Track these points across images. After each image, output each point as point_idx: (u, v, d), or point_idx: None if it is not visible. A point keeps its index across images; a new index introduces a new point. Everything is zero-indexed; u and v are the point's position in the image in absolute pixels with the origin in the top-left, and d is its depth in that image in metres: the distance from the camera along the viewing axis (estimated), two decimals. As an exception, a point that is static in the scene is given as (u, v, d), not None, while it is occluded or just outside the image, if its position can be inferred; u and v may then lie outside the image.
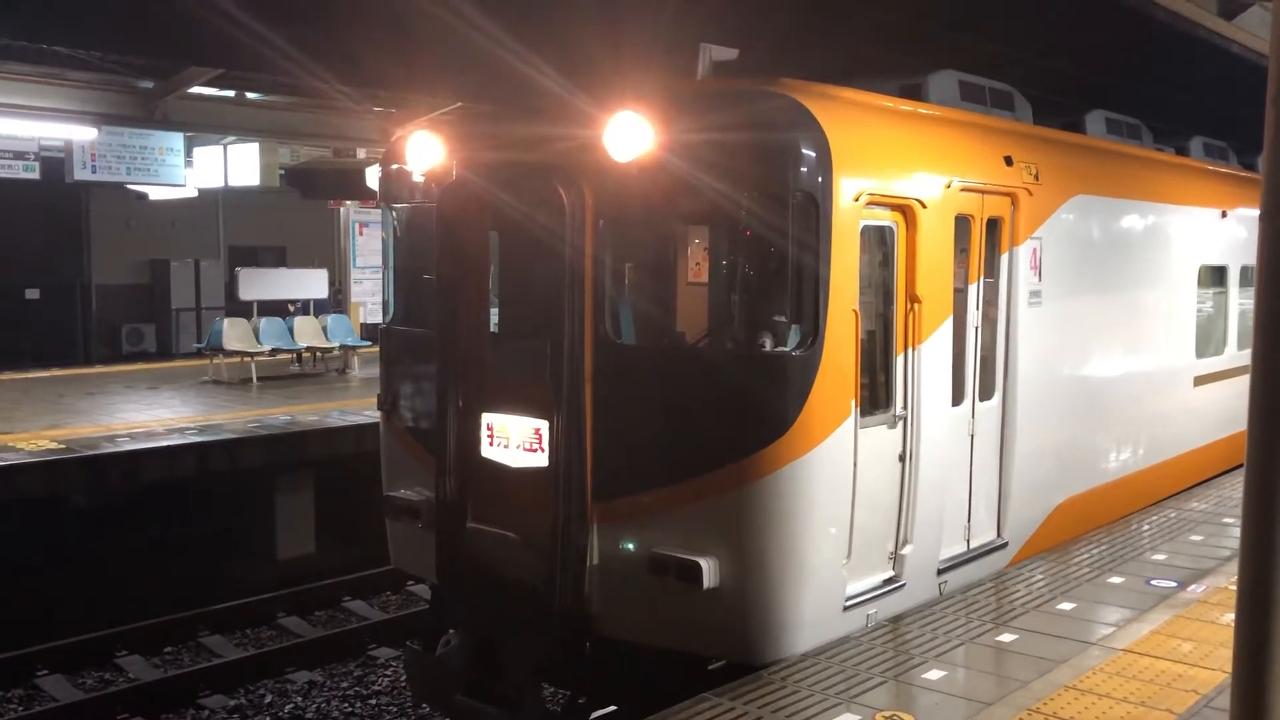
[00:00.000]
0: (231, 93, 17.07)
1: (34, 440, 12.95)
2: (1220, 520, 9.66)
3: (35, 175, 18.50)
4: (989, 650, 6.46)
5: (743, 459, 6.14)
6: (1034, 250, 8.30)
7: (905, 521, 7.02)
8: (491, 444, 7.33)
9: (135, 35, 11.13)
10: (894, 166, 6.98)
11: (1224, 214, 11.78)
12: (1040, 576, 7.89)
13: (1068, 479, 9.10)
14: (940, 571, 7.46)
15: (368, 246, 24.03)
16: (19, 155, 18.13)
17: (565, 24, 9.14)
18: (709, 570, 6.15)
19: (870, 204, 6.57)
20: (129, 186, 20.73)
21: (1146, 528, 9.43)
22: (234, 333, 18.91)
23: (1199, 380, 11.37)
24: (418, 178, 7.73)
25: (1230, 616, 6.97)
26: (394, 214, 8.31)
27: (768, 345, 6.34)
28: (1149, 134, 11.39)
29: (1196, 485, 11.27)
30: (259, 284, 21.39)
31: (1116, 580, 7.85)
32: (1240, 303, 12.24)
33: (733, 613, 6.25)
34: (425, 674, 7.76)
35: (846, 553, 6.50)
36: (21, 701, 10.19)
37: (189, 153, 19.77)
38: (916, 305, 6.97)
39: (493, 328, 7.93)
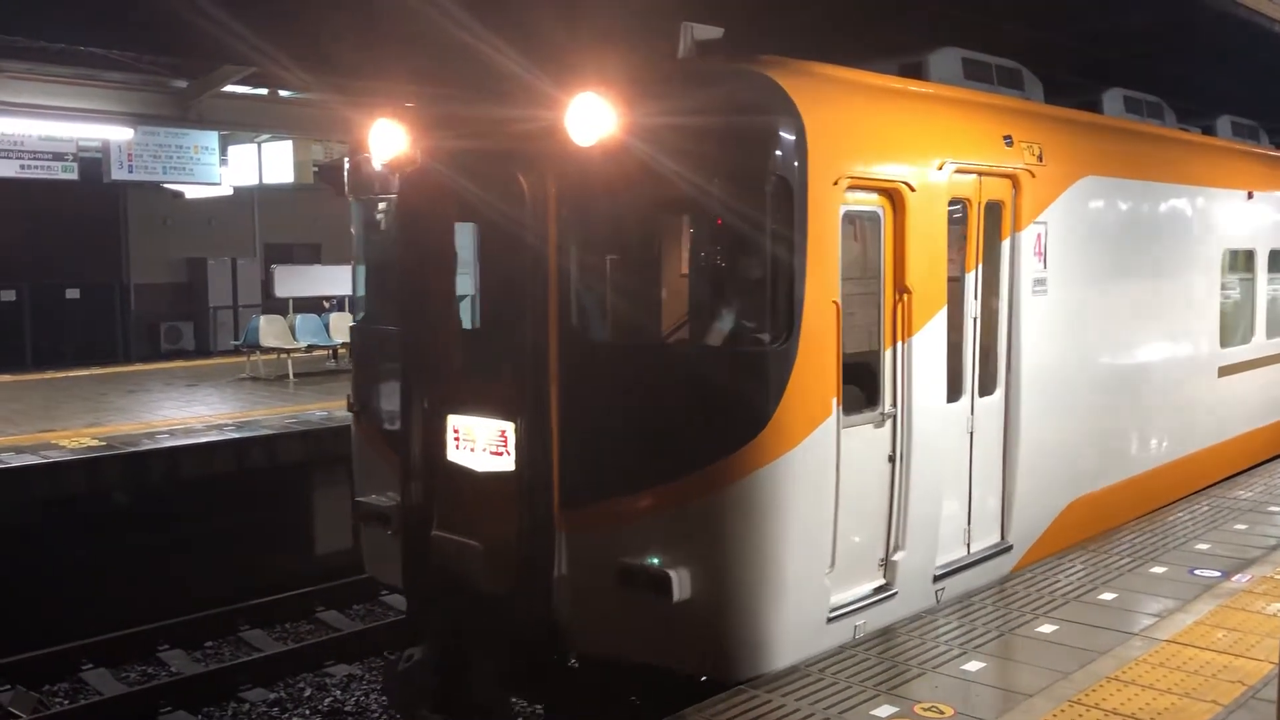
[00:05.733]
0: (264, 90, 17.15)
1: (76, 438, 13.12)
2: (1265, 509, 9.51)
3: (74, 176, 18.70)
4: (1029, 642, 6.38)
5: (714, 462, 5.76)
6: (1038, 236, 7.84)
7: (896, 526, 6.60)
8: (458, 447, 6.97)
9: (106, 28, 10.88)
10: (879, 148, 6.52)
11: (1250, 195, 11.32)
12: (1080, 566, 7.79)
13: (1079, 477, 8.65)
14: (937, 578, 7.04)
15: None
16: (58, 156, 18.33)
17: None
18: (680, 581, 5.77)
19: (852, 188, 6.16)
20: (165, 186, 20.93)
21: (1188, 517, 9.30)
22: (270, 330, 19.12)
23: (1224, 370, 10.87)
24: (382, 167, 7.27)
25: (1276, 606, 6.90)
26: (361, 206, 7.95)
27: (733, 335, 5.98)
28: (1172, 113, 10.91)
29: (1221, 481, 10.80)
30: (294, 281, 21.60)
31: (1158, 570, 7.75)
32: (1270, 288, 11.75)
33: (706, 626, 5.86)
34: (398, 686, 7.40)
35: (830, 561, 6.10)
36: (67, 695, 10.34)
37: (224, 151, 19.94)
38: (906, 296, 6.54)
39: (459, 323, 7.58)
